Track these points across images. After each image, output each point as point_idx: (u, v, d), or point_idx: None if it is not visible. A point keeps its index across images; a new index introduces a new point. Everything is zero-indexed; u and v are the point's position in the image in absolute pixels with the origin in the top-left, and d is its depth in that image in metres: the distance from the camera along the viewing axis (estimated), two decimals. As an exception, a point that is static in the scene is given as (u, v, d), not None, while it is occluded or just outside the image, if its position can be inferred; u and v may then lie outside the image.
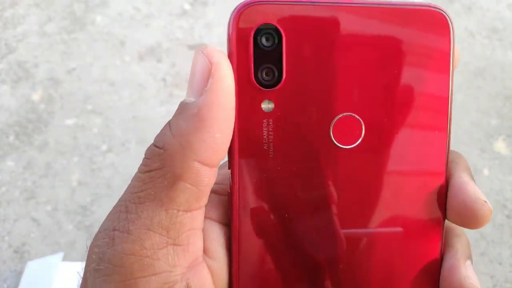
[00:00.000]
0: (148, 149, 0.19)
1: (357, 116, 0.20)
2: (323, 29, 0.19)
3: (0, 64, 1.15)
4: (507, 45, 1.22)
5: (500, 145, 1.05)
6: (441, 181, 0.21)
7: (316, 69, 0.19)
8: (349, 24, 0.19)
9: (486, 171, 1.01)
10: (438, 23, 0.20)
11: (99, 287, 0.18)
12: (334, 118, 0.20)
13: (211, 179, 0.19)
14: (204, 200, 0.19)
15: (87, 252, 0.19)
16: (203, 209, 0.20)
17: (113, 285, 0.18)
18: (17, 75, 1.13)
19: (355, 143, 0.20)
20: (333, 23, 0.19)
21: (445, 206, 0.21)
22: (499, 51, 1.20)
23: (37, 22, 1.23)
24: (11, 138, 1.02)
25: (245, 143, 0.19)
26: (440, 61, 0.20)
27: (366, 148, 0.20)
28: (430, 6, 0.20)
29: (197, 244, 0.20)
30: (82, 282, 0.19)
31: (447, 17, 0.20)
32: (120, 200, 0.19)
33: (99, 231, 0.19)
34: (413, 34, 0.20)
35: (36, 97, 1.09)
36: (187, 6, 1.29)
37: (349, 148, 0.20)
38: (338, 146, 0.20)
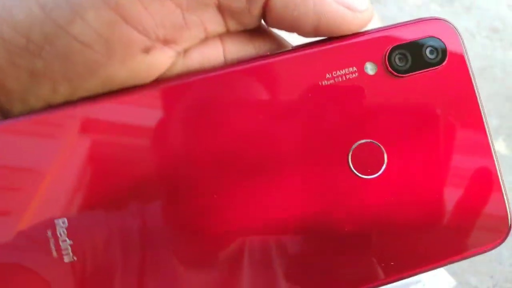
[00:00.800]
0: None
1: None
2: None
3: (0, 64, 1.15)
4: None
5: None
6: None
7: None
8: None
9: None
10: None
11: None
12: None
13: (258, 19, 0.18)
14: (239, 27, 0.18)
15: None
16: (224, 31, 0.18)
17: None
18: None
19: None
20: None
21: None
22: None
23: (37, 22, 1.23)
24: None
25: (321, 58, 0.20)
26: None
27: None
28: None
29: (193, 37, 0.18)
30: None
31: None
32: None
33: None
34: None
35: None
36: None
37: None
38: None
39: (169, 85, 0.18)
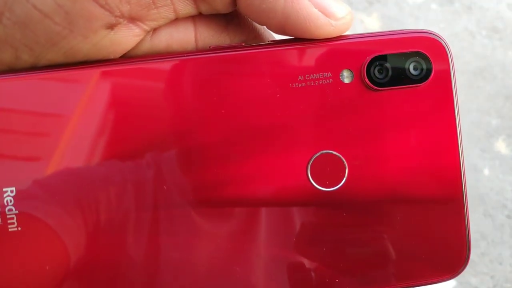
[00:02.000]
0: None
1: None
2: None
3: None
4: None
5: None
6: None
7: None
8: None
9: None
10: None
11: None
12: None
13: None
14: (211, 10, 0.18)
15: None
16: (195, 13, 0.18)
17: None
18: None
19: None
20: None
21: None
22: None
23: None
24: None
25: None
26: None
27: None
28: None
29: (161, 16, 0.18)
30: None
31: None
32: None
33: None
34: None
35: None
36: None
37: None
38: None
39: (170, 60, 0.18)
